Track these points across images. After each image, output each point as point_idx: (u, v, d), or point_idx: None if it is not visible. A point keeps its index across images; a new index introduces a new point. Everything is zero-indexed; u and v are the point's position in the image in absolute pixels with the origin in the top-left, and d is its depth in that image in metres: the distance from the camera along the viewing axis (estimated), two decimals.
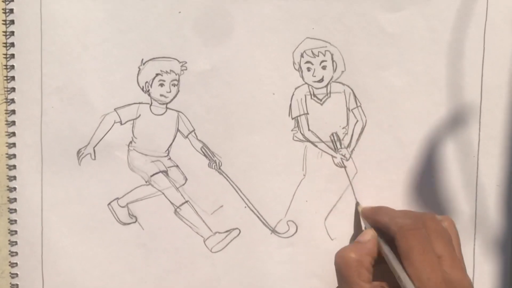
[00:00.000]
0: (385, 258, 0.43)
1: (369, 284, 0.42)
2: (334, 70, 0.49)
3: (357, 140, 0.49)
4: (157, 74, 0.49)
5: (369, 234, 0.45)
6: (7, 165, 0.49)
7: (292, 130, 0.49)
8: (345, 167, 0.49)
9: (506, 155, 0.49)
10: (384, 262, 0.43)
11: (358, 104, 0.49)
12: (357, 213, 0.49)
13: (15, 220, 0.49)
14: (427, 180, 0.49)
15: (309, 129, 0.49)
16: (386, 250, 0.43)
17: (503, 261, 0.49)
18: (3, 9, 0.48)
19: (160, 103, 0.49)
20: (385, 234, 0.44)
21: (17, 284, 0.50)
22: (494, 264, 0.49)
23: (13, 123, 0.49)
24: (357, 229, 0.49)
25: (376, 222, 0.45)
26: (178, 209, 0.49)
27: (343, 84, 0.49)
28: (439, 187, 0.49)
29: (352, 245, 0.45)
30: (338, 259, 0.44)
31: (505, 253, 0.49)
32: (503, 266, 0.49)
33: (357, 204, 0.49)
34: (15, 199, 0.49)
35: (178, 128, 0.49)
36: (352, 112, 0.49)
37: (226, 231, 0.49)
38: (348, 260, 0.43)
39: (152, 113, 0.49)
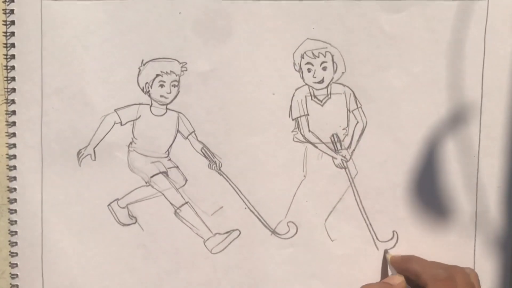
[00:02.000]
0: None
1: None
2: (335, 71, 0.49)
3: (358, 141, 0.49)
4: (157, 75, 0.49)
5: (398, 279, 0.46)
6: (7, 165, 0.49)
7: (292, 131, 0.49)
8: (345, 168, 0.49)
9: (507, 155, 0.49)
10: None
11: (359, 105, 0.49)
12: (384, 260, 0.49)
13: (15, 221, 0.49)
14: (427, 180, 0.49)
15: (309, 130, 0.49)
16: None
17: (503, 260, 0.49)
18: (3, 9, 0.48)
19: (160, 104, 0.49)
20: (413, 282, 0.45)
21: (17, 285, 0.50)
22: (495, 263, 0.49)
23: (14, 123, 0.49)
24: (384, 275, 0.49)
25: (405, 270, 0.46)
26: (178, 210, 0.49)
27: (344, 85, 0.49)
28: (439, 187, 0.49)
29: (382, 285, 0.46)
30: None
31: (505, 252, 0.49)
32: (503, 265, 0.49)
33: (386, 251, 0.49)
34: (15, 200, 0.49)
35: (178, 129, 0.49)
36: (353, 113, 0.49)
37: (226, 232, 0.49)
38: None
39: (152, 114, 0.49)
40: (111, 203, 0.49)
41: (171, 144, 0.49)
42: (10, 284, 0.50)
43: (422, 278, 0.44)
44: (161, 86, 0.49)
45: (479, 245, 0.49)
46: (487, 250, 0.49)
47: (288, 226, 0.49)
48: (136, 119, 0.49)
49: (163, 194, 0.49)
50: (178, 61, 0.49)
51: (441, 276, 0.43)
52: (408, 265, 0.46)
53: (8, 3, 0.48)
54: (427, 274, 0.44)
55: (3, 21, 0.48)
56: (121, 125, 0.49)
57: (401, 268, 0.46)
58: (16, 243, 0.49)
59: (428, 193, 0.49)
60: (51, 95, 0.49)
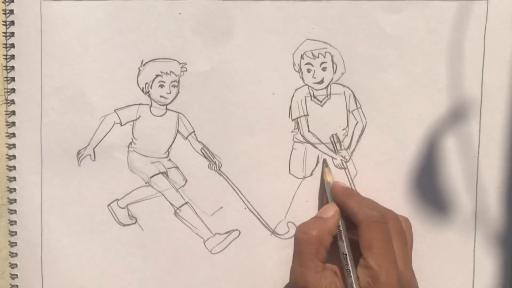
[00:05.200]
0: (338, 236, 0.45)
1: (323, 265, 0.43)
2: (334, 72, 0.49)
3: (357, 141, 0.49)
4: (157, 75, 0.49)
5: (332, 210, 0.45)
6: (7, 166, 0.49)
7: (292, 132, 0.49)
8: (345, 168, 0.49)
9: (507, 156, 0.49)
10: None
11: (358, 105, 0.49)
12: (323, 183, 0.49)
13: (15, 221, 0.49)
14: (427, 180, 0.49)
15: (309, 131, 0.49)
16: (344, 235, 0.45)
17: (503, 258, 0.49)
18: (3, 10, 0.48)
19: (160, 104, 0.49)
20: (346, 216, 0.45)
21: (17, 285, 0.50)
22: (495, 262, 0.49)
23: (13, 124, 0.49)
24: (323, 188, 0.49)
25: (343, 204, 0.45)
26: (178, 210, 0.49)
27: (343, 86, 0.49)
28: (439, 187, 0.49)
29: (314, 221, 0.45)
30: (299, 233, 0.44)
31: (505, 251, 0.49)
32: (503, 264, 0.49)
33: (326, 165, 0.49)
34: (15, 200, 0.49)
35: (178, 129, 0.49)
36: (352, 113, 0.49)
37: (226, 232, 0.49)
38: (309, 237, 0.44)
39: (152, 114, 0.49)
40: (111, 203, 0.49)
41: (171, 145, 0.49)
42: (10, 284, 0.50)
43: (357, 217, 0.44)
44: (161, 86, 0.49)
45: (479, 244, 0.49)
46: (487, 249, 0.49)
47: (287, 226, 0.49)
48: (136, 120, 0.49)
49: (163, 194, 0.49)
50: (178, 62, 0.49)
51: (375, 218, 0.43)
52: (346, 200, 0.45)
53: (8, 3, 0.48)
54: (362, 214, 0.43)
55: (3, 21, 0.48)
56: (121, 125, 0.49)
57: (339, 200, 0.46)
58: (15, 243, 0.49)
59: (428, 193, 0.49)
60: (50, 95, 0.49)
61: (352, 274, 0.43)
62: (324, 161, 0.49)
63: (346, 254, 0.44)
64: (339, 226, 0.45)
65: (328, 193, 0.47)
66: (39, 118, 0.49)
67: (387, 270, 0.41)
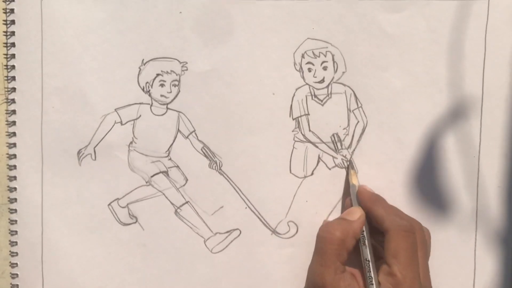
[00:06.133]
0: (361, 241, 0.44)
1: (344, 267, 0.43)
2: (335, 71, 0.49)
3: (358, 141, 0.49)
4: (157, 75, 0.49)
5: (357, 213, 0.45)
6: (7, 165, 0.49)
7: (293, 131, 0.49)
8: (346, 167, 0.49)
9: (507, 155, 0.49)
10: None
11: (359, 105, 0.49)
12: (347, 183, 0.49)
13: (16, 220, 0.49)
14: (427, 180, 0.49)
15: (310, 130, 0.49)
16: (368, 240, 0.44)
17: (504, 258, 0.49)
18: (3, 9, 0.48)
19: (160, 104, 0.49)
20: (371, 223, 0.45)
21: (17, 285, 0.50)
22: (495, 261, 0.49)
23: (14, 123, 0.49)
24: (346, 191, 0.49)
25: (369, 210, 0.45)
26: (178, 210, 0.49)
27: (344, 85, 0.49)
28: (439, 187, 0.49)
29: (340, 222, 0.45)
30: (323, 233, 0.44)
31: (506, 251, 0.49)
32: (504, 263, 0.49)
33: (352, 167, 0.49)
34: (15, 199, 0.49)
35: (178, 129, 0.49)
36: (353, 113, 0.49)
37: (227, 232, 0.49)
38: (333, 237, 0.43)
39: (153, 113, 0.49)
40: (111, 202, 0.49)
41: (172, 144, 0.49)
42: (10, 283, 0.50)
43: (384, 224, 0.43)
44: (162, 85, 0.49)
45: (480, 244, 0.49)
46: (488, 249, 0.49)
47: (288, 225, 0.49)
48: (137, 119, 0.49)
49: (164, 194, 0.49)
50: (179, 61, 0.49)
51: (404, 227, 0.43)
52: (373, 206, 0.45)
53: (9, 2, 0.48)
54: (391, 221, 0.43)
55: (3, 20, 0.48)
56: (122, 124, 0.49)
57: (366, 206, 0.46)
58: (16, 242, 0.49)
59: (429, 192, 0.49)
60: (51, 94, 0.49)
61: (374, 281, 0.43)
62: (350, 162, 0.49)
63: (369, 260, 0.44)
64: (363, 231, 0.45)
65: (352, 196, 0.47)
66: (40, 118, 0.49)
67: (411, 280, 0.41)
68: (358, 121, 0.49)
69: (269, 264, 0.49)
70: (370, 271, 0.43)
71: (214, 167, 0.49)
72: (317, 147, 0.49)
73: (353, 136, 0.49)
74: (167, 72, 0.49)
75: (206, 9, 0.48)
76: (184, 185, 0.49)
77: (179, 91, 0.49)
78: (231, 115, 0.49)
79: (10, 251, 0.50)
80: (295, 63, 0.49)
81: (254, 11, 0.48)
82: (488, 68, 0.48)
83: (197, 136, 0.49)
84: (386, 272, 0.42)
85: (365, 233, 0.45)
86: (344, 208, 0.48)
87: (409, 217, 0.45)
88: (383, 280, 0.42)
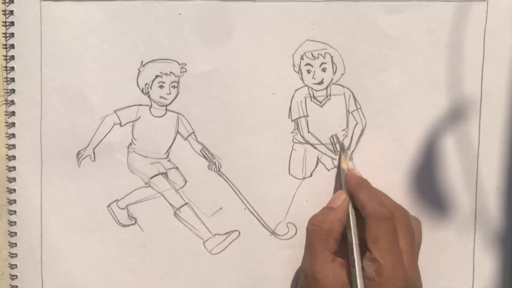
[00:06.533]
0: (346, 225, 0.45)
1: (333, 256, 0.44)
2: (334, 72, 0.49)
3: (357, 142, 0.49)
4: (156, 76, 0.49)
5: (340, 198, 0.46)
6: (7, 166, 0.49)
7: (292, 132, 0.49)
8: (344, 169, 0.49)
9: (506, 156, 0.49)
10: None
11: (358, 106, 0.49)
12: (339, 173, 0.49)
13: (15, 222, 0.49)
14: (427, 181, 0.49)
15: (309, 131, 0.49)
16: (353, 224, 0.45)
17: (503, 258, 0.49)
18: (3, 10, 0.48)
19: (160, 105, 0.49)
20: (355, 207, 0.45)
21: (16, 286, 0.50)
22: (495, 262, 0.49)
23: (13, 124, 0.49)
24: (338, 176, 0.49)
25: (354, 194, 0.45)
26: (177, 211, 0.49)
27: (343, 86, 0.49)
28: (439, 188, 0.49)
29: (324, 212, 0.46)
30: (310, 225, 0.45)
31: (505, 251, 0.49)
32: (503, 264, 0.49)
33: (343, 151, 0.48)
34: (14, 201, 0.49)
35: (177, 130, 0.49)
36: (352, 114, 0.49)
37: (226, 233, 0.49)
38: (319, 229, 0.44)
39: (152, 115, 0.49)
40: (110, 204, 0.49)
41: (171, 145, 0.49)
42: (10, 285, 0.50)
43: (365, 210, 0.44)
44: (161, 87, 0.49)
45: (479, 245, 0.49)
46: (487, 250, 0.49)
47: (287, 227, 0.49)
48: (136, 120, 0.49)
49: (163, 195, 0.49)
50: (178, 62, 0.49)
51: (383, 214, 0.43)
52: (357, 190, 0.45)
53: (8, 4, 0.48)
54: (371, 208, 0.44)
55: (3, 22, 0.48)
56: (121, 126, 0.49)
57: (351, 190, 0.46)
58: (15, 244, 0.49)
59: (428, 193, 0.49)
60: (50, 96, 0.49)
61: (356, 264, 0.43)
62: (342, 146, 0.49)
63: (352, 244, 0.44)
64: (348, 214, 0.45)
65: (342, 181, 0.47)
66: (39, 119, 0.49)
67: (392, 265, 0.42)
68: (357, 123, 0.49)
69: (268, 265, 0.49)
70: (353, 254, 0.43)
71: (213, 169, 0.49)
72: (316, 148, 0.49)
73: (352, 137, 0.49)
74: (166, 74, 0.49)
75: (206, 10, 0.48)
76: (183, 186, 0.49)
77: (178, 92, 0.49)
78: (230, 116, 0.49)
79: (9, 252, 0.50)
80: (294, 65, 0.49)
81: (254, 12, 0.48)
82: (487, 69, 0.48)
83: (196, 138, 0.49)
84: (368, 258, 0.42)
85: (350, 217, 0.45)
86: (334, 193, 0.49)
87: (392, 203, 0.45)
88: (366, 265, 0.42)
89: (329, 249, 0.44)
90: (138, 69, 0.49)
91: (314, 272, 0.43)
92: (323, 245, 0.44)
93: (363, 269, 0.42)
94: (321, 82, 0.49)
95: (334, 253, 0.44)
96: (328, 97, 0.49)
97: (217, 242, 0.49)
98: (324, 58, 0.48)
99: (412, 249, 0.44)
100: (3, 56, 0.49)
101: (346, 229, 0.45)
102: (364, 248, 0.43)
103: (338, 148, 0.49)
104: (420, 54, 0.48)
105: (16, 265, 0.50)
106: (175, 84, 0.49)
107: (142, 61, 0.49)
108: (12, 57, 0.48)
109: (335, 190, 0.49)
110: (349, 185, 0.46)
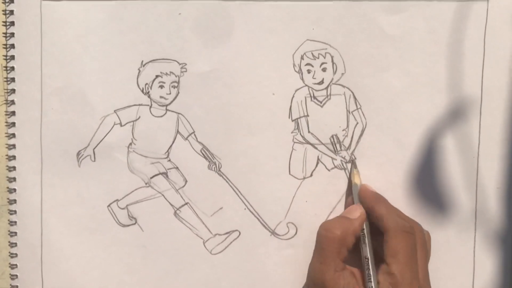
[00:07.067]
0: (361, 239, 0.45)
1: (343, 265, 0.43)
2: (334, 72, 0.49)
3: (357, 142, 0.49)
4: (157, 76, 0.49)
5: (358, 211, 0.45)
6: (7, 166, 0.49)
7: (292, 132, 0.49)
8: (345, 169, 0.49)
9: (506, 156, 0.49)
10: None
11: (358, 106, 0.49)
12: (349, 182, 0.49)
13: (15, 222, 0.49)
14: (427, 181, 0.49)
15: (309, 131, 0.49)
16: (368, 239, 0.45)
17: (503, 258, 0.49)
18: (3, 10, 0.48)
19: (160, 105, 0.49)
20: (372, 222, 0.45)
21: (17, 286, 0.50)
22: (495, 262, 0.49)
23: (13, 124, 0.49)
24: (349, 189, 0.49)
25: (370, 208, 0.45)
26: (178, 211, 0.49)
27: (343, 86, 0.49)
28: (439, 188, 0.49)
29: (340, 220, 0.45)
30: (323, 231, 0.44)
31: (505, 251, 0.49)
32: (503, 264, 0.49)
33: (355, 167, 0.49)
34: (14, 201, 0.49)
35: (178, 130, 0.49)
36: (352, 114, 0.49)
37: (226, 233, 0.49)
38: (333, 236, 0.44)
39: (152, 114, 0.49)
40: (111, 203, 0.49)
41: (171, 145, 0.49)
42: (10, 285, 0.50)
43: (385, 223, 0.43)
44: (161, 87, 0.49)
45: (479, 244, 0.49)
46: (487, 249, 0.49)
47: (287, 226, 0.49)
48: (136, 120, 0.49)
49: (163, 195, 0.49)
50: (178, 62, 0.49)
51: (404, 228, 0.43)
52: (375, 205, 0.45)
53: (8, 4, 0.48)
54: (392, 221, 0.43)
55: (3, 22, 0.48)
56: (121, 126, 0.49)
57: (367, 205, 0.46)
58: (15, 244, 0.49)
59: (428, 193, 0.49)
60: (50, 95, 0.49)
61: (372, 279, 0.43)
62: (353, 162, 0.49)
63: (368, 258, 0.44)
64: (363, 229, 0.45)
65: (354, 195, 0.47)
66: (39, 119, 0.49)
67: (409, 280, 0.41)
68: (358, 122, 0.49)
69: (268, 265, 0.49)
70: (369, 269, 0.43)
71: (213, 168, 0.49)
72: (316, 148, 0.49)
73: (352, 137, 0.49)
74: (166, 74, 0.49)
75: (206, 10, 0.48)
76: (183, 186, 0.49)
77: (178, 92, 0.49)
78: (231, 116, 0.49)
79: (9, 252, 0.50)
80: (294, 65, 0.49)
81: (254, 12, 0.48)
82: (487, 69, 0.48)
83: (196, 137, 0.49)
84: (385, 271, 0.42)
85: (365, 231, 0.45)
86: (346, 207, 0.49)
87: (409, 219, 0.45)
88: (382, 279, 0.42)
89: (340, 258, 0.43)
90: (138, 69, 0.49)
91: (324, 280, 0.43)
92: (336, 253, 0.43)
93: (378, 282, 0.42)
94: (321, 82, 0.49)
95: (344, 262, 0.44)
96: (328, 97, 0.49)
97: (217, 242, 0.49)
98: (324, 58, 0.48)
99: (425, 264, 0.44)
100: (3, 56, 0.49)
101: (361, 243, 0.45)
102: (375, 262, 0.44)
103: (339, 148, 0.49)
104: (421, 53, 0.48)
105: (16, 265, 0.50)
106: (175, 84, 0.49)
107: (142, 61, 0.49)
108: (12, 57, 0.48)
109: (347, 204, 0.49)
110: (364, 199, 0.46)
